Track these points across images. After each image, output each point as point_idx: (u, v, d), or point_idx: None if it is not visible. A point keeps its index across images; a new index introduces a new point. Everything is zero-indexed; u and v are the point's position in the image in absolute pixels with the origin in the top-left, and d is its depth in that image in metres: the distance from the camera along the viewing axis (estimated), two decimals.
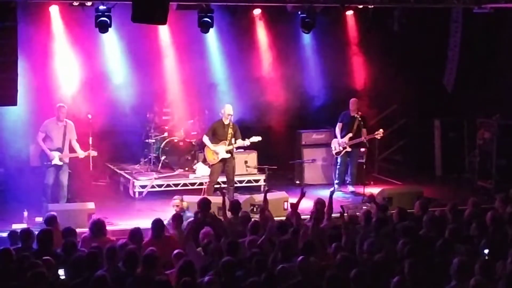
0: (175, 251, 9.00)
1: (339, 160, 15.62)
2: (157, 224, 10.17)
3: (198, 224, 10.46)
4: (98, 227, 10.22)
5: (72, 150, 13.78)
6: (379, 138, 15.40)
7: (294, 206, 11.19)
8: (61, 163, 13.63)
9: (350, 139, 15.39)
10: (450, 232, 9.43)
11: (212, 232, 9.89)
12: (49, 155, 13.55)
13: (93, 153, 13.86)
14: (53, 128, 13.65)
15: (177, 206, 11.59)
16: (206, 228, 10.03)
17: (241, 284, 8.01)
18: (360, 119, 15.27)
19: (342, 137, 15.49)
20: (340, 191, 15.52)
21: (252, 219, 10.59)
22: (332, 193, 11.77)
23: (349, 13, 15.49)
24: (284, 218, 11.32)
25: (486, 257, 8.83)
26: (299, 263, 8.16)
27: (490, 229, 9.95)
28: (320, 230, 10.12)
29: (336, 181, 15.61)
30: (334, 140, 15.70)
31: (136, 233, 9.91)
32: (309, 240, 9.12)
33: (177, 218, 10.73)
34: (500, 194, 12.01)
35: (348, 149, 15.45)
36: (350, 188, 15.59)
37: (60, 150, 13.62)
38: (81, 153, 13.80)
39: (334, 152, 15.68)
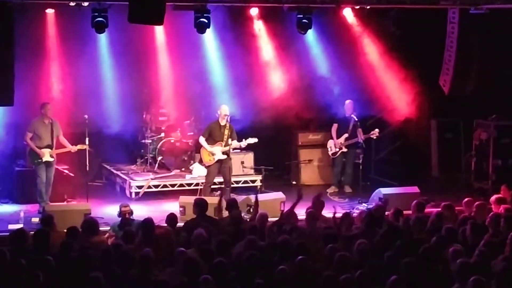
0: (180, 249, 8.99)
1: (335, 161, 15.66)
2: (147, 224, 10.15)
3: (195, 225, 10.48)
4: (89, 226, 10.19)
5: (60, 146, 13.81)
6: (375, 138, 15.44)
7: (290, 209, 11.19)
8: (52, 159, 13.68)
9: (346, 139, 15.43)
10: (445, 232, 9.44)
11: (204, 234, 9.85)
12: (39, 153, 13.57)
13: (84, 146, 13.88)
14: (40, 126, 13.68)
15: (128, 213, 11.35)
16: (199, 229, 9.99)
17: (236, 285, 8.01)
18: (355, 119, 15.30)
19: (338, 137, 15.53)
20: (337, 191, 15.55)
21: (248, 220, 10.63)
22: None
23: (346, 13, 15.49)
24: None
25: (484, 257, 8.82)
26: (296, 264, 8.16)
27: (489, 229, 9.98)
28: (315, 230, 10.13)
29: (332, 182, 15.68)
30: (330, 141, 15.74)
31: (128, 233, 9.91)
32: (304, 241, 9.11)
33: (171, 219, 10.68)
34: (496, 195, 12.04)
35: (344, 150, 15.50)
36: (347, 189, 15.61)
37: (50, 147, 13.68)
38: (71, 147, 13.85)
39: (330, 153, 15.72)
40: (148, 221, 10.17)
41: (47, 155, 13.61)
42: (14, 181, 14.48)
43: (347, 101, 15.55)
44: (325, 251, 8.83)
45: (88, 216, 11.40)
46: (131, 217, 11.30)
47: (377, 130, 15.39)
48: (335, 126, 15.66)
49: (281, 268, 8.08)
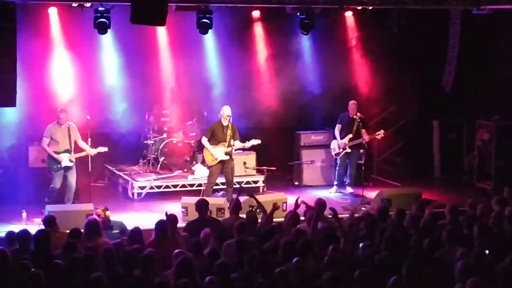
0: (176, 251, 8.89)
1: (338, 161, 15.67)
2: (161, 225, 10.08)
3: (197, 225, 10.48)
4: (92, 227, 10.16)
5: (79, 149, 13.78)
6: (379, 138, 15.46)
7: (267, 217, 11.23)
8: (71, 164, 13.63)
9: (350, 140, 15.42)
10: (447, 234, 9.43)
11: (211, 233, 9.86)
12: (57, 158, 13.52)
13: (104, 149, 13.87)
14: (56, 131, 13.61)
15: (99, 215, 11.16)
16: (206, 229, 10.00)
17: (239, 285, 8.01)
18: (359, 120, 15.30)
19: (341, 138, 15.53)
20: (339, 192, 15.56)
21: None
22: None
23: (348, 14, 15.51)
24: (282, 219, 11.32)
25: (486, 258, 8.82)
26: (296, 264, 8.16)
27: (493, 230, 9.97)
28: (317, 231, 10.12)
29: (335, 182, 15.68)
30: (334, 141, 15.73)
31: (136, 233, 9.88)
32: (307, 241, 9.11)
33: (172, 219, 10.66)
34: (497, 196, 12.02)
35: (348, 150, 15.48)
36: (349, 189, 15.61)
37: (68, 151, 13.60)
38: (91, 151, 13.79)
39: (333, 153, 15.71)
40: (162, 223, 10.08)
41: (65, 160, 13.54)
42: (18, 181, 14.46)
43: (351, 102, 15.54)
44: (326, 251, 8.83)
45: (90, 217, 11.37)
46: (105, 221, 11.18)
47: (382, 130, 15.41)
48: (338, 126, 15.65)
49: (281, 269, 8.07)
